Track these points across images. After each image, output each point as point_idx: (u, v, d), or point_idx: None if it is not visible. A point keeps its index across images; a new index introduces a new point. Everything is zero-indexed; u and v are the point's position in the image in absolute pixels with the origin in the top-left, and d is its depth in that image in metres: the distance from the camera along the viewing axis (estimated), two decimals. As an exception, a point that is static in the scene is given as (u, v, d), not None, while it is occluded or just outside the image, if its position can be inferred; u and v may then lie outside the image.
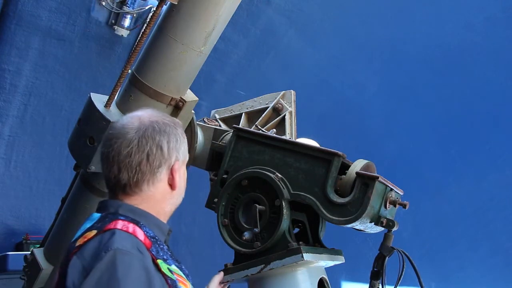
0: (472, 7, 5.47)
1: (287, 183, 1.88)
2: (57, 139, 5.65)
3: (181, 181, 1.59)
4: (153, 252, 1.40)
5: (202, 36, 2.17)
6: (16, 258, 4.86)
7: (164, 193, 1.57)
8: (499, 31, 5.44)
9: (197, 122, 2.47)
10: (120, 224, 1.43)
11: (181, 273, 1.48)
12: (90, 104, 2.36)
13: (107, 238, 1.37)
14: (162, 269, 1.39)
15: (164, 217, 1.60)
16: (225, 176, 2.01)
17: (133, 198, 1.54)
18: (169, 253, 1.51)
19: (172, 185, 1.57)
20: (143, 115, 1.57)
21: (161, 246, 1.48)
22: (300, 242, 1.84)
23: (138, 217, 1.51)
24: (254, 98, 2.59)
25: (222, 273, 1.93)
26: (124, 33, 5.53)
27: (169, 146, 1.55)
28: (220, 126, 2.55)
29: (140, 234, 1.43)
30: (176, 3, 2.13)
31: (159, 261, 1.39)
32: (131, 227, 1.43)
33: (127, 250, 1.33)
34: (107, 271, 1.29)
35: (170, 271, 1.42)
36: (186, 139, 1.63)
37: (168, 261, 1.45)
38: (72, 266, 1.36)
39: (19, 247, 5.56)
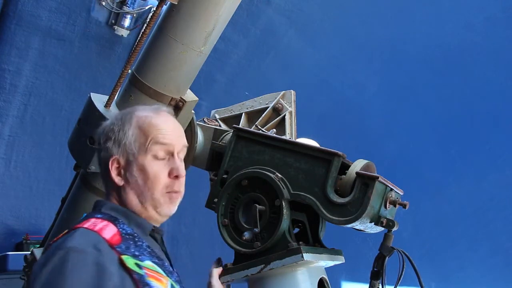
0: (472, 7, 5.47)
1: (287, 183, 1.88)
2: (57, 139, 5.64)
3: (135, 175, 1.54)
4: (120, 249, 1.41)
5: (202, 36, 2.17)
6: (16, 258, 4.86)
7: (114, 189, 1.58)
8: (499, 31, 5.43)
9: (197, 122, 2.47)
10: (89, 223, 1.46)
11: (158, 269, 1.48)
12: (90, 104, 2.36)
13: (66, 236, 1.41)
14: (127, 264, 1.39)
15: (146, 214, 1.58)
16: (225, 176, 2.00)
17: (106, 195, 1.62)
18: (149, 249, 1.50)
19: (113, 180, 1.56)
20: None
21: (139, 243, 1.48)
22: (300, 242, 1.84)
23: (120, 215, 1.53)
24: (254, 98, 2.59)
25: (221, 268, 1.92)
26: (124, 33, 5.53)
27: (102, 145, 1.59)
28: (220, 126, 2.55)
29: (109, 232, 1.44)
30: (176, 3, 2.13)
31: (124, 257, 1.39)
32: (100, 225, 1.45)
33: (81, 248, 1.35)
34: (56, 268, 1.32)
35: (139, 266, 1.42)
36: (132, 132, 1.56)
37: (141, 257, 1.45)
38: (36, 263, 1.41)
39: (19, 247, 5.56)
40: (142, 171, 1.54)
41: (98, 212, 1.55)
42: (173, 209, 1.61)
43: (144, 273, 1.41)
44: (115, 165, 1.55)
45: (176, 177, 1.57)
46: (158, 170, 1.55)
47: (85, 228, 1.44)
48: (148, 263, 1.46)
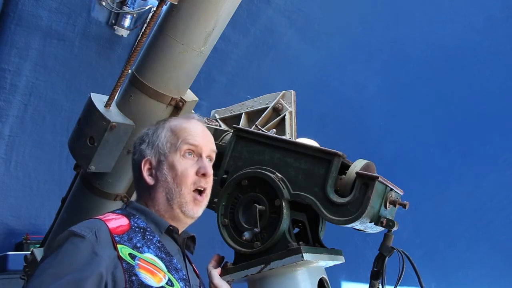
0: (472, 7, 5.47)
1: (287, 183, 1.87)
2: (57, 139, 5.65)
3: (165, 173, 1.67)
4: (119, 238, 1.50)
5: (202, 36, 2.18)
6: (16, 258, 4.87)
7: (145, 189, 1.71)
8: (499, 31, 5.43)
9: (197, 122, 2.47)
10: (104, 215, 1.60)
11: (159, 263, 1.53)
12: (90, 104, 2.36)
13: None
14: (120, 253, 1.47)
15: (171, 214, 1.67)
16: (225, 176, 2.00)
17: (137, 197, 1.78)
18: (159, 244, 1.58)
19: (145, 181, 1.69)
20: None
21: (149, 237, 1.58)
22: (300, 242, 1.84)
23: (139, 213, 1.66)
24: (254, 98, 2.59)
25: (219, 269, 1.91)
26: (124, 33, 5.53)
27: (137, 148, 1.75)
28: (220, 126, 2.55)
29: (117, 223, 1.55)
30: (176, 3, 2.13)
31: (119, 246, 1.48)
32: (111, 217, 1.58)
33: (80, 233, 1.47)
34: (56, 246, 1.47)
35: (134, 257, 1.48)
36: (164, 134, 1.72)
37: (142, 248, 1.53)
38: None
39: (19, 247, 5.56)
40: (171, 168, 1.67)
41: (120, 209, 1.75)
42: (196, 210, 1.70)
43: (136, 264, 1.47)
44: (147, 166, 1.70)
45: (204, 175, 1.69)
46: (186, 167, 1.68)
47: (95, 218, 1.57)
48: (148, 255, 1.52)
